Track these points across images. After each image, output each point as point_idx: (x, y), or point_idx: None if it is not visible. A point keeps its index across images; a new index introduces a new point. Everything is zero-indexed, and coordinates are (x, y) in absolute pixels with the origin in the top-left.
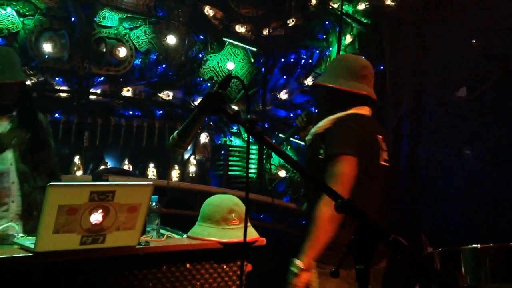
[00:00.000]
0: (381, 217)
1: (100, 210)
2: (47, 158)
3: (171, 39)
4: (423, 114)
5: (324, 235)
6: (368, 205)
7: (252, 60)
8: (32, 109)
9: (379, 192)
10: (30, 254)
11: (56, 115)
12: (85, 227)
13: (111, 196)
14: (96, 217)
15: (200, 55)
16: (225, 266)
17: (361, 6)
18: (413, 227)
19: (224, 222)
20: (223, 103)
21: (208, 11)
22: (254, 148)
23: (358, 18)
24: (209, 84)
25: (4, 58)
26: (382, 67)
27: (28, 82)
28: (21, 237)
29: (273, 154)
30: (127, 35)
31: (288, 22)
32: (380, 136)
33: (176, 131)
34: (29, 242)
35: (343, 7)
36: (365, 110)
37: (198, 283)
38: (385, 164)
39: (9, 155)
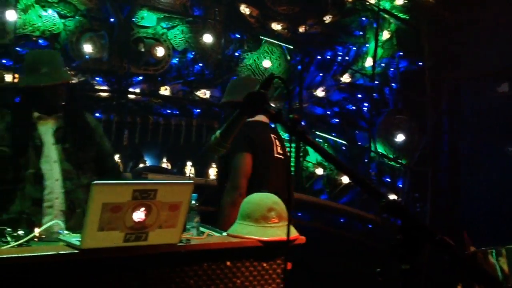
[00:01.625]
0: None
1: (143, 208)
2: (92, 157)
3: (207, 38)
4: (463, 110)
5: None
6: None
7: (289, 57)
8: (78, 110)
9: (276, 177)
10: (76, 251)
11: (97, 114)
12: (128, 224)
13: (153, 194)
14: (138, 215)
15: (237, 54)
16: (265, 264)
17: (399, 2)
18: (454, 225)
19: (263, 220)
20: (265, 103)
21: (244, 9)
22: (291, 146)
23: (396, 13)
24: None
25: (48, 61)
26: (420, 63)
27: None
28: (66, 234)
29: (309, 152)
30: (164, 35)
31: (324, 19)
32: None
33: (218, 131)
34: (75, 239)
35: (381, 2)
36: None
37: (238, 281)
38: (279, 156)
39: (53, 153)
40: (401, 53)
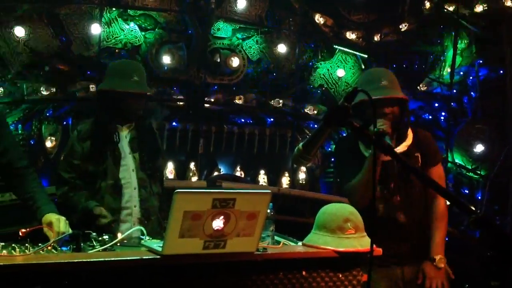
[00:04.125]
0: None
1: (222, 217)
2: (162, 166)
3: (282, 48)
4: None
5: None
6: None
7: (363, 66)
8: (149, 119)
9: None
10: (158, 257)
11: (174, 123)
12: (207, 232)
13: (232, 203)
14: (217, 223)
15: (310, 63)
16: (340, 275)
17: (479, 9)
18: None
19: (339, 231)
20: (349, 116)
21: (319, 19)
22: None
23: (475, 21)
24: (319, 92)
25: (138, 70)
26: (501, 71)
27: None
28: (147, 240)
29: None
30: (240, 45)
31: (400, 27)
32: None
33: (301, 143)
34: (156, 245)
35: (459, 10)
36: None
37: None
38: None
39: (130, 162)
40: (481, 61)
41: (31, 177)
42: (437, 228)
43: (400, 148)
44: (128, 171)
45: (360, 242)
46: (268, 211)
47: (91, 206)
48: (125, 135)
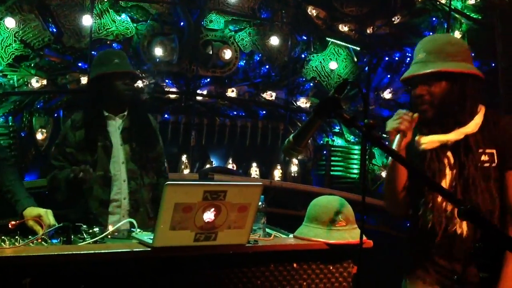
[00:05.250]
0: None
1: (213, 209)
2: (155, 157)
3: (274, 40)
4: None
5: None
6: None
7: (355, 59)
8: (142, 110)
9: None
10: (149, 249)
11: (166, 115)
12: (198, 224)
13: (223, 195)
14: (208, 216)
15: (303, 55)
16: (331, 267)
17: (471, 1)
18: None
19: (331, 223)
20: (340, 107)
21: (312, 11)
22: (356, 148)
23: (468, 13)
24: (311, 84)
25: (118, 54)
26: (493, 65)
27: (140, 84)
28: (138, 232)
29: (376, 154)
30: (232, 37)
31: (393, 19)
32: None
33: (292, 135)
34: (147, 237)
35: (452, 2)
36: None
37: (305, 283)
38: None
39: (121, 154)
40: (473, 54)
41: (9, 170)
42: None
43: (452, 136)
44: (118, 163)
45: (351, 234)
46: (260, 203)
47: (68, 171)
48: (118, 126)
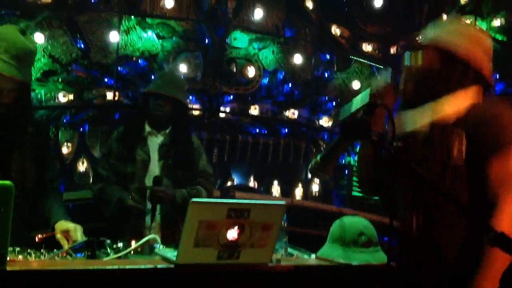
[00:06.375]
0: None
1: (236, 227)
2: (189, 178)
3: (298, 58)
4: None
5: None
6: None
7: (379, 78)
8: (185, 129)
9: None
10: (172, 266)
11: None
12: (222, 242)
13: (247, 214)
14: (232, 234)
15: (326, 74)
16: None
17: (497, 23)
18: None
19: (353, 244)
20: (368, 130)
21: (335, 30)
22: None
23: (493, 35)
24: (334, 103)
25: (168, 76)
26: None
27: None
28: (161, 248)
29: None
30: (256, 55)
31: (417, 39)
32: None
33: (319, 155)
34: (170, 254)
35: (477, 23)
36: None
37: None
38: None
39: (157, 170)
40: (497, 75)
41: (53, 192)
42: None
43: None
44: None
45: (374, 257)
46: (282, 222)
47: (126, 197)
48: (158, 142)
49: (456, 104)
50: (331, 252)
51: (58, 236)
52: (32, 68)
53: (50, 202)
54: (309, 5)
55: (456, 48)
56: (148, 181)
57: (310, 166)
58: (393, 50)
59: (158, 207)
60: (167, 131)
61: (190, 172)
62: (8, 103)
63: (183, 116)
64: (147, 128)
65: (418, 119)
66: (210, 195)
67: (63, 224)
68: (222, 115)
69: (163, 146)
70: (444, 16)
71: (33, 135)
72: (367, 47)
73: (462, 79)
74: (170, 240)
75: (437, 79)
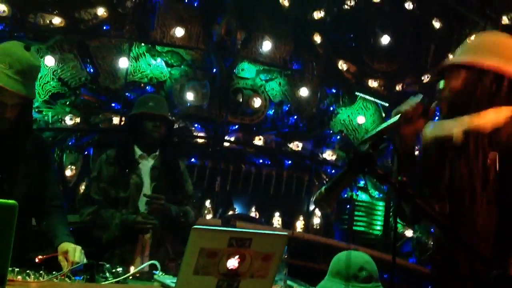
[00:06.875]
0: None
1: (237, 256)
2: (178, 200)
3: (304, 91)
4: None
5: None
6: None
7: (384, 115)
8: (172, 153)
9: None
10: None
11: (193, 159)
12: (222, 271)
13: (248, 243)
14: (232, 263)
15: (331, 108)
16: None
17: None
18: None
19: (353, 279)
20: (374, 164)
21: (342, 65)
22: (380, 205)
23: None
24: (338, 137)
25: (155, 99)
26: None
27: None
28: (160, 274)
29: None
30: (262, 86)
31: (422, 78)
32: None
33: (324, 187)
34: (169, 280)
35: None
36: None
37: None
38: None
39: (149, 192)
40: None
41: (59, 216)
42: None
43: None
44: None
45: None
46: (283, 253)
47: (131, 216)
48: (149, 166)
49: (492, 115)
50: (331, 286)
51: (60, 258)
52: (37, 83)
53: (54, 222)
54: (317, 39)
55: (484, 64)
56: (141, 205)
57: (313, 197)
58: (398, 88)
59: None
60: (157, 153)
61: (179, 194)
62: (11, 118)
63: (170, 138)
64: (138, 151)
65: (453, 125)
66: (196, 218)
67: (64, 246)
68: (226, 144)
69: (155, 169)
70: (451, 56)
71: (32, 152)
72: (373, 83)
73: (496, 93)
74: (159, 258)
75: (472, 98)
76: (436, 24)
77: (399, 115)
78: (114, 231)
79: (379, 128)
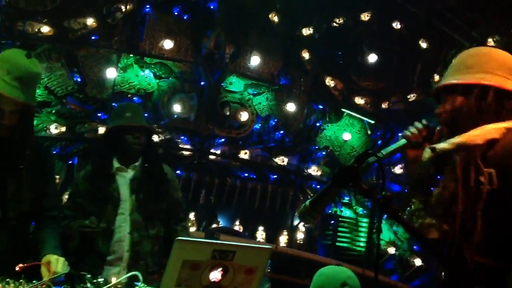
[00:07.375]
0: None
1: (220, 269)
2: (165, 209)
3: (291, 107)
4: None
5: None
6: None
7: (369, 132)
8: (156, 162)
9: None
10: None
11: (178, 171)
12: (204, 283)
13: (232, 256)
14: (215, 275)
15: (318, 124)
16: None
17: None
18: None
19: None
20: (358, 178)
21: (329, 82)
22: (364, 221)
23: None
24: (324, 153)
25: (132, 108)
26: None
27: (156, 139)
28: (143, 286)
29: (383, 229)
30: (250, 100)
31: (408, 96)
32: None
33: (309, 200)
34: None
35: None
36: None
37: None
38: None
39: (128, 206)
40: None
41: (51, 229)
42: None
43: (441, 145)
44: (125, 215)
45: None
46: (266, 267)
47: (83, 222)
48: (128, 178)
49: (485, 129)
50: None
51: (42, 268)
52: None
53: (45, 233)
54: (305, 55)
55: (469, 81)
56: (119, 219)
57: (298, 210)
58: (384, 105)
59: (128, 237)
60: (137, 164)
61: (163, 204)
62: (9, 125)
63: (152, 147)
64: (115, 164)
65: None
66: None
67: (48, 256)
68: (212, 157)
69: (134, 180)
70: (436, 77)
71: (32, 159)
72: (359, 101)
73: (492, 107)
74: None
75: (465, 115)
76: (423, 44)
77: (404, 140)
78: (76, 240)
79: (384, 152)
